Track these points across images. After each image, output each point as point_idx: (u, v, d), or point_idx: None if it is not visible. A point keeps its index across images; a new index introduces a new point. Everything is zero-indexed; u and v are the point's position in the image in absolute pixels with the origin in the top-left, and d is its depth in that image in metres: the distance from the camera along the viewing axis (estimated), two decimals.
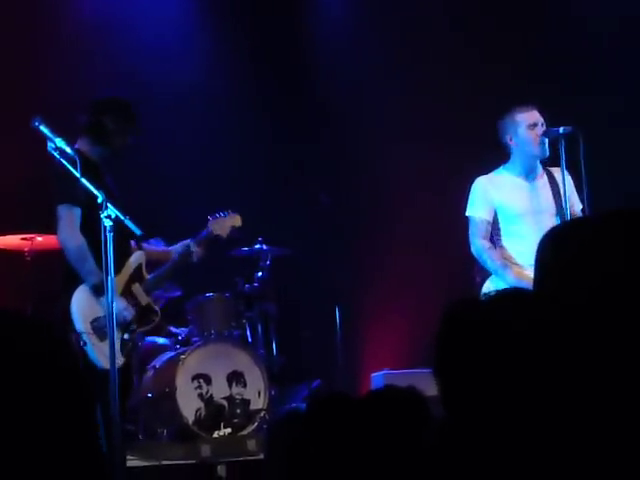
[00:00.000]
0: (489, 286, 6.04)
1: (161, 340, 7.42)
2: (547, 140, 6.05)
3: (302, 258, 8.03)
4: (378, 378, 7.92)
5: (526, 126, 6.08)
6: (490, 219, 6.15)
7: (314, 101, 8.96)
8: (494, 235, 6.20)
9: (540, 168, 6.23)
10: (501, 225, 6.18)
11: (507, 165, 6.23)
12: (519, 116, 6.12)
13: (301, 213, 8.49)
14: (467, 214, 6.22)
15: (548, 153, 6.09)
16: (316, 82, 9.00)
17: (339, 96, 8.91)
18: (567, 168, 6.00)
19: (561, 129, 5.96)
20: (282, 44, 8.90)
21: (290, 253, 7.84)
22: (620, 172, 7.69)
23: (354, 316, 8.43)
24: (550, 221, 6.00)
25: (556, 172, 6.18)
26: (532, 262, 1.80)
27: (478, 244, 6.10)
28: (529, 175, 6.19)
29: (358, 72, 8.88)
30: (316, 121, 8.95)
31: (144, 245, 6.00)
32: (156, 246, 6.37)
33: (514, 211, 6.14)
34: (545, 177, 6.22)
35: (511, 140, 6.12)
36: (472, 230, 6.17)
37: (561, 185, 6.12)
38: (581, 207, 6.12)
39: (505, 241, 6.16)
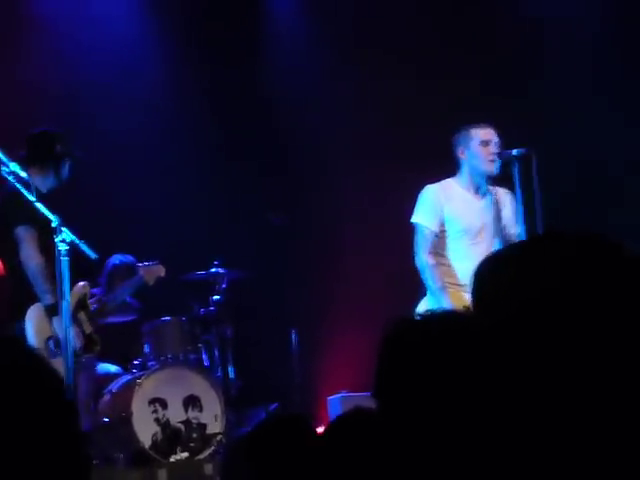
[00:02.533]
0: (424, 305, 6.03)
1: (113, 368, 7.35)
2: (500, 161, 6.09)
3: (259, 281, 8.01)
4: (335, 401, 7.92)
5: (479, 142, 6.14)
6: (437, 231, 6.13)
7: (268, 124, 8.95)
8: (439, 248, 6.16)
9: (487, 186, 6.27)
10: (448, 238, 6.16)
11: (456, 178, 6.25)
12: (474, 131, 6.18)
13: (258, 235, 8.47)
14: (413, 220, 6.17)
15: (496, 172, 6.13)
16: (266, 101, 8.96)
17: (293, 120, 8.90)
18: (520, 189, 6.04)
19: (515, 151, 6.01)
20: (232, 62, 8.86)
21: (247, 276, 7.82)
22: (572, 193, 7.77)
23: (311, 339, 8.41)
24: (490, 241, 6.05)
25: (501, 193, 6.23)
26: None
27: (423, 259, 6.05)
28: (476, 191, 6.23)
29: (308, 91, 8.87)
30: (269, 142, 8.93)
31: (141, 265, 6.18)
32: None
33: (461, 226, 6.14)
34: (490, 196, 6.26)
35: (462, 153, 6.17)
36: (418, 241, 6.12)
37: (506, 206, 6.19)
38: (518, 231, 6.13)
39: (450, 255, 6.14)
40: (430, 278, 6.01)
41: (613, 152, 8.01)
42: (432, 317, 1.89)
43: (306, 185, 8.90)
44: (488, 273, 1.61)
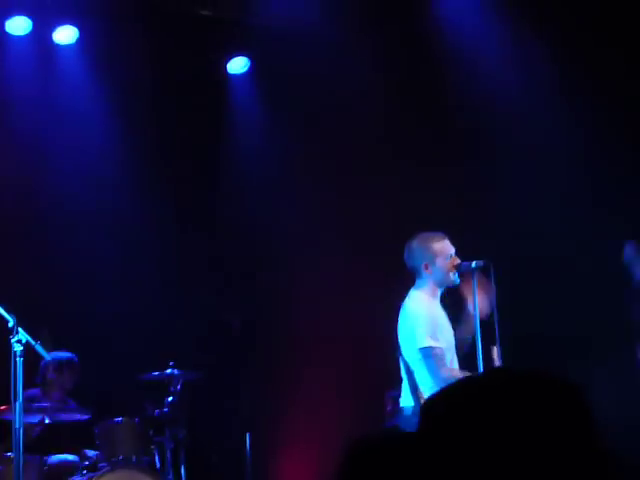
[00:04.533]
0: None
1: (70, 457, 7.26)
2: (458, 272, 6.12)
3: (214, 384, 7.96)
4: None
5: (444, 256, 6.11)
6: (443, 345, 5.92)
7: (228, 223, 8.97)
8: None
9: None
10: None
11: (419, 290, 6.15)
12: (437, 245, 6.12)
13: (214, 338, 8.44)
14: (423, 345, 5.85)
15: (457, 283, 6.16)
16: (221, 208, 8.99)
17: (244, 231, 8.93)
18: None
19: (473, 263, 6.04)
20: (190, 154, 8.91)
21: (202, 378, 7.77)
22: (530, 303, 7.83)
23: (265, 443, 8.34)
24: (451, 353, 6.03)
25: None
26: None
27: (446, 375, 5.73)
28: (437, 300, 6.19)
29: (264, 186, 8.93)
30: (227, 244, 8.95)
31: None
32: None
33: (446, 342, 5.98)
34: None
35: (427, 268, 6.11)
36: (435, 363, 5.80)
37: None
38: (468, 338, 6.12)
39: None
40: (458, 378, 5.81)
41: (569, 260, 8.10)
42: (390, 438, 1.89)
43: (263, 289, 8.89)
44: (444, 406, 1.67)
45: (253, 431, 8.04)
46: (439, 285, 6.14)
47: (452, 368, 5.91)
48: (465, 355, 6.06)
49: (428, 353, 5.85)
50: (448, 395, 1.74)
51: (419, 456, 1.69)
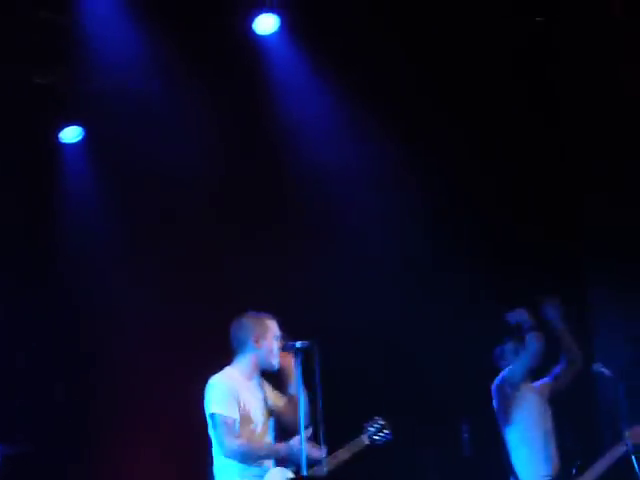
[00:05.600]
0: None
1: None
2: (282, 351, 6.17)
3: (38, 457, 7.77)
4: None
5: (273, 335, 6.16)
6: (238, 417, 5.95)
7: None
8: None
9: None
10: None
11: (235, 366, 6.18)
12: (269, 322, 6.16)
13: (37, 408, 8.25)
14: (212, 411, 5.94)
15: (277, 368, 6.20)
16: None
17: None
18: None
19: (298, 343, 6.08)
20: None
21: (24, 451, 7.57)
22: (352, 382, 7.93)
23: None
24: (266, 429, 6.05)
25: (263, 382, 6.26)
26: None
27: (234, 445, 5.86)
28: (254, 380, 6.22)
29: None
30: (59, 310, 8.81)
31: None
32: None
33: (245, 415, 6.01)
34: (260, 383, 6.27)
35: (257, 341, 6.11)
36: (223, 432, 5.88)
37: (268, 388, 6.23)
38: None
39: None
40: (254, 451, 5.87)
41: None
42: None
43: (88, 360, 8.76)
44: None
45: None
46: (261, 364, 6.17)
47: (245, 442, 5.91)
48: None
49: (216, 421, 5.93)
50: None
51: None
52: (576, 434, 7.21)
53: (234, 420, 5.95)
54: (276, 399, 6.29)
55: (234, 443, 5.91)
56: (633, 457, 6.48)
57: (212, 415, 5.96)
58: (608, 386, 6.68)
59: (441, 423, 8.18)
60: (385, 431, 6.39)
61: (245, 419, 6.03)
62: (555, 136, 8.80)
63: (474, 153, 8.57)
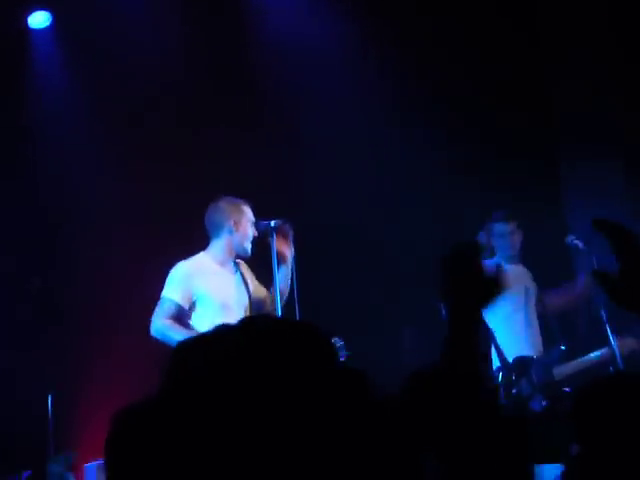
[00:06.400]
0: None
1: None
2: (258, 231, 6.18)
3: (12, 341, 7.79)
4: (91, 469, 7.75)
5: (248, 220, 6.17)
6: (184, 305, 6.00)
7: None
8: (184, 321, 6.03)
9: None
10: (200, 314, 6.05)
11: (208, 252, 6.22)
12: (245, 208, 6.20)
13: (12, 294, 8.23)
14: (162, 295, 6.05)
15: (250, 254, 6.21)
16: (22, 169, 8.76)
17: None
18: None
19: (272, 222, 6.10)
20: None
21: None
22: (328, 258, 7.96)
23: (68, 404, 8.21)
24: (242, 315, 6.04)
25: (241, 265, 6.26)
26: None
27: (159, 323, 5.92)
28: (228, 265, 6.22)
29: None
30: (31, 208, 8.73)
31: None
32: None
33: (217, 301, 6.06)
34: (238, 270, 6.27)
35: (235, 225, 6.14)
36: (157, 311, 5.98)
37: (250, 277, 6.23)
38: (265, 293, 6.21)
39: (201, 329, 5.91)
40: (174, 332, 5.82)
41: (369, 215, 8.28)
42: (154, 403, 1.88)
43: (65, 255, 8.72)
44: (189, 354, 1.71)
45: (55, 392, 7.89)
46: (236, 248, 6.18)
47: (169, 322, 5.96)
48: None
49: (159, 302, 6.03)
50: (201, 347, 1.74)
51: (167, 419, 1.69)
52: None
53: (173, 303, 6.00)
54: (257, 289, 6.31)
55: (159, 322, 5.97)
56: (619, 359, 6.53)
57: (161, 297, 6.06)
58: (583, 258, 6.71)
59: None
60: (343, 352, 6.35)
61: (209, 302, 6.05)
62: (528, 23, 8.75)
63: (441, 40, 8.49)
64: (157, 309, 6.01)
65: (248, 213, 6.22)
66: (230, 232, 6.17)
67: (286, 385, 1.65)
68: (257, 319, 1.82)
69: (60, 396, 7.97)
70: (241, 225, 6.17)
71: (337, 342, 6.13)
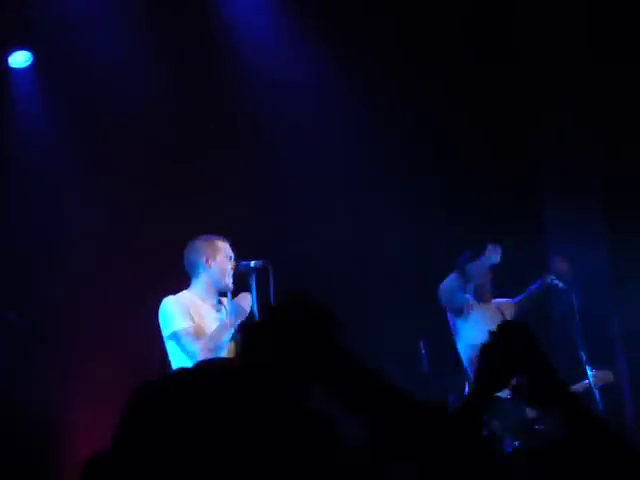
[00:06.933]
0: None
1: None
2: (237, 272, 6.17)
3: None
4: None
5: (225, 255, 6.17)
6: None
7: None
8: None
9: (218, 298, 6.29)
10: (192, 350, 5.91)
11: (191, 290, 6.17)
12: (220, 243, 6.18)
13: None
14: (171, 332, 5.90)
15: (232, 288, 6.19)
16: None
17: None
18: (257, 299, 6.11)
19: (252, 262, 6.11)
20: None
21: None
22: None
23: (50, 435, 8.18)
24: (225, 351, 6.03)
25: (226, 302, 6.24)
26: None
27: (199, 346, 5.80)
28: (211, 302, 6.19)
29: None
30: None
31: None
32: None
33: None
34: (223, 306, 6.26)
35: (208, 261, 6.12)
36: (184, 344, 5.83)
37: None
38: None
39: None
40: (217, 334, 5.85)
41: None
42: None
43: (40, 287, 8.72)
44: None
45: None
46: (215, 285, 6.17)
47: (205, 339, 5.87)
48: None
49: (179, 336, 5.88)
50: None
51: None
52: None
53: (190, 327, 5.92)
54: None
55: (196, 346, 5.83)
56: (596, 392, 6.55)
57: (174, 334, 5.93)
58: (562, 297, 6.73)
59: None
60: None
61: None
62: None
63: (422, 73, 8.56)
64: (187, 341, 5.86)
65: (224, 249, 6.20)
66: (205, 269, 6.16)
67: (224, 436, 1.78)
68: (211, 364, 1.91)
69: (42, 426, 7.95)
70: (215, 261, 6.16)
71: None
